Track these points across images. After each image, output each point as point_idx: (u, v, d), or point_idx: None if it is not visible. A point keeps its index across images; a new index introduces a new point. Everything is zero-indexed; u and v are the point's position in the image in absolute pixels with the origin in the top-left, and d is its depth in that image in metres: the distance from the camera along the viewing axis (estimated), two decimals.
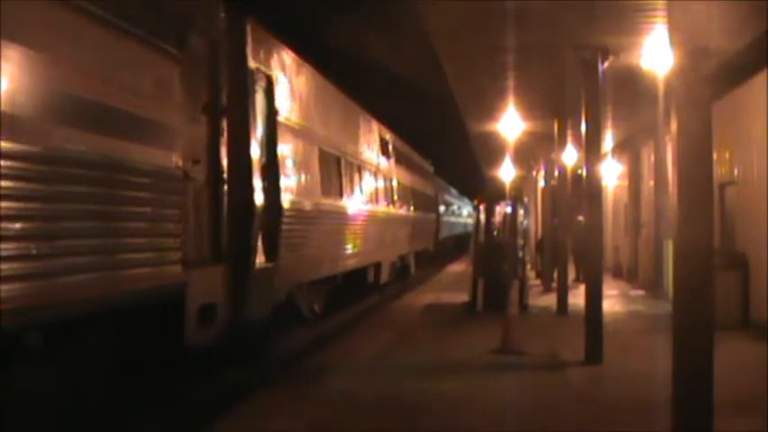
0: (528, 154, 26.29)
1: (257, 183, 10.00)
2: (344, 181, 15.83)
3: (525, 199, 22.80)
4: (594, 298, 11.72)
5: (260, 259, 10.06)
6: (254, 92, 10.20)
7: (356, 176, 17.33)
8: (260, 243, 10.07)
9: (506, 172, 29.27)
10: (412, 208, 26.59)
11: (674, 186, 6.47)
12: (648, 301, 19.17)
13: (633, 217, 25.28)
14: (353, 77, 25.49)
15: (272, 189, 10.65)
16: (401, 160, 25.23)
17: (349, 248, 15.96)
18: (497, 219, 20.36)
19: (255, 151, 10.08)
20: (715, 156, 11.79)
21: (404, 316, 17.28)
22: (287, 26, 14.57)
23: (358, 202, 17.26)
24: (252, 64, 10.13)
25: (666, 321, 7.83)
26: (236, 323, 9.19)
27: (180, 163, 7.79)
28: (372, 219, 18.80)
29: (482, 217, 19.23)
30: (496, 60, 13.31)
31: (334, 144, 15.20)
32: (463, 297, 18.34)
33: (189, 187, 8.20)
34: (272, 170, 10.74)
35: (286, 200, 11.13)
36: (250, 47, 10.08)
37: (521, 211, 19.49)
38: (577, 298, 15.01)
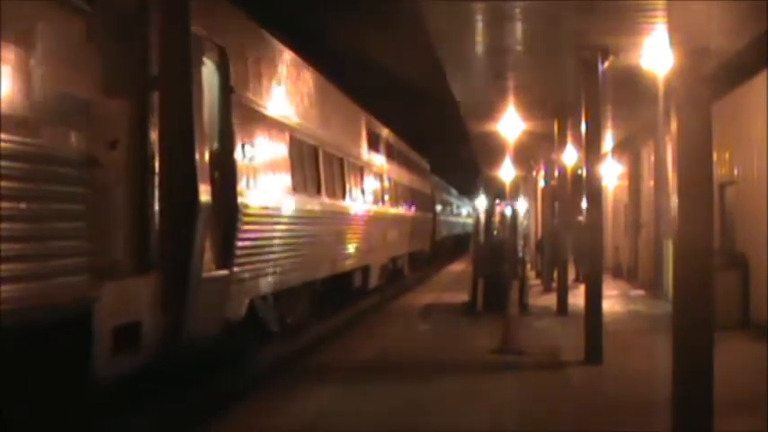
0: (528, 154, 26.29)
1: (203, 174, 8.16)
2: (324, 176, 14.03)
3: (522, 199, 22.82)
4: (594, 298, 11.72)
5: (208, 267, 8.44)
6: (199, 64, 8.39)
7: (339, 171, 15.63)
8: (208, 247, 8.41)
9: (506, 172, 29.28)
10: (406, 207, 25.21)
11: (674, 186, 6.47)
12: (648, 301, 19.17)
13: (633, 217, 25.28)
14: (352, 75, 25.52)
15: (226, 183, 9.07)
16: (393, 156, 23.72)
17: (330, 251, 14.43)
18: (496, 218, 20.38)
19: (201, 136, 8.24)
20: (715, 156, 11.79)
21: (402, 316, 17.26)
22: (283, 22, 14.44)
23: (341, 199, 15.63)
24: (199, 31, 8.38)
25: (666, 321, 7.84)
26: (171, 344, 7.68)
27: (85, 145, 6.30)
28: (359, 218, 17.42)
29: (481, 217, 19.25)
30: (496, 60, 13.32)
31: (311, 133, 13.40)
32: (463, 297, 18.35)
33: (100, 177, 6.53)
34: (225, 160, 9.13)
35: (244, 196, 9.56)
36: (197, 10, 8.30)
37: (513, 210, 19.51)
38: (577, 298, 15.01)
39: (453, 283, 25.37)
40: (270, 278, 10.80)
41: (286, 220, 11.47)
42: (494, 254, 17.74)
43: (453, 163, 48.01)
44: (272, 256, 10.78)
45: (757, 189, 13.67)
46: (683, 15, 6.51)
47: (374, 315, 17.77)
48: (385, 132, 22.65)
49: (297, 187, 12.05)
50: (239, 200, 9.29)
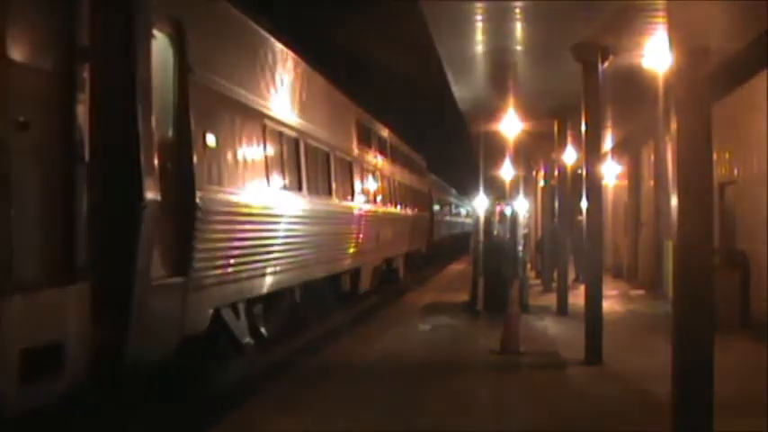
0: (528, 154, 26.29)
1: (149, 166, 7.02)
2: (306, 170, 12.62)
3: (522, 199, 22.79)
4: (594, 298, 11.73)
5: (159, 273, 7.35)
6: (146, 37, 7.22)
7: (324, 166, 14.21)
8: (159, 251, 7.34)
9: (506, 172, 29.27)
10: (401, 206, 23.82)
11: (674, 186, 6.47)
12: (648, 301, 19.18)
13: (633, 217, 25.29)
14: (352, 74, 25.52)
15: (182, 176, 7.88)
16: (388, 152, 22.33)
17: (313, 253, 12.98)
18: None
19: (147, 121, 7.07)
20: (715, 156, 11.80)
21: (401, 317, 17.26)
22: (283, 21, 14.28)
23: (326, 197, 14.21)
24: None
25: (666, 321, 7.84)
26: (110, 366, 6.69)
27: None
28: (348, 217, 16.12)
29: (481, 216, 19.25)
30: (496, 60, 13.32)
31: (291, 123, 12.03)
32: (462, 298, 18.35)
33: (3, 164, 5.50)
34: (180, 150, 7.95)
35: (205, 192, 8.26)
36: None
37: (513, 210, 19.51)
38: (577, 298, 15.01)
39: (452, 284, 25.36)
40: (240, 284, 9.67)
41: (259, 219, 10.24)
42: (494, 254, 17.75)
43: (453, 162, 48.05)
44: (242, 260, 9.59)
45: (757, 189, 13.67)
46: (683, 15, 6.51)
47: (371, 317, 17.76)
48: (378, 128, 21.37)
49: (273, 183, 10.73)
50: (198, 196, 8.02)
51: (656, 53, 11.86)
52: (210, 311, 8.73)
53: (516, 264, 17.62)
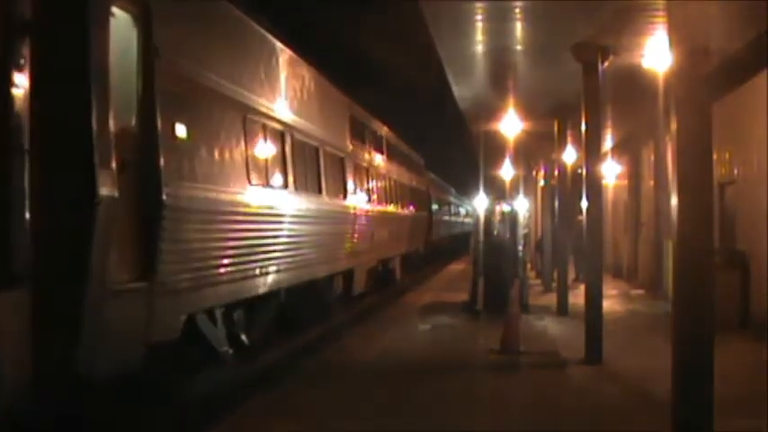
0: (528, 154, 26.30)
1: (104, 157, 6.33)
2: (293, 166, 11.84)
3: (522, 199, 22.78)
4: (594, 298, 11.73)
5: (118, 277, 6.67)
6: (103, 14, 6.60)
7: (314, 162, 13.39)
8: (120, 252, 6.68)
9: (506, 171, 29.27)
10: (398, 204, 22.98)
11: (674, 186, 6.48)
12: (648, 301, 19.18)
13: (633, 216, 25.30)
14: (351, 73, 25.53)
15: (146, 170, 7.20)
16: (383, 148, 21.39)
17: (300, 255, 12.18)
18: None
19: (103, 107, 6.40)
20: (715, 156, 11.79)
21: (399, 318, 17.25)
22: (284, 21, 14.22)
23: (316, 194, 13.34)
24: None
25: (666, 321, 7.85)
26: (59, 382, 6.06)
27: None
28: (339, 216, 15.26)
29: (481, 216, 19.25)
30: (496, 60, 13.33)
31: (276, 116, 11.29)
32: (462, 297, 18.35)
33: None
34: (145, 141, 7.24)
35: (174, 187, 7.55)
36: None
37: (513, 210, 19.51)
38: (577, 298, 15.02)
39: (452, 283, 25.34)
40: (217, 288, 8.95)
41: (239, 218, 9.53)
42: (494, 253, 17.75)
43: (452, 162, 48.09)
44: (219, 262, 8.93)
45: (757, 189, 13.67)
46: (683, 15, 6.52)
47: (371, 316, 17.76)
48: (374, 123, 20.51)
49: (254, 179, 10.00)
50: (165, 192, 7.29)
51: (656, 53, 11.86)
52: (183, 318, 8.04)
53: (516, 263, 17.63)
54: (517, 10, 10.54)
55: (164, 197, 7.29)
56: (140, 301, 7.05)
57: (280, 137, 11.40)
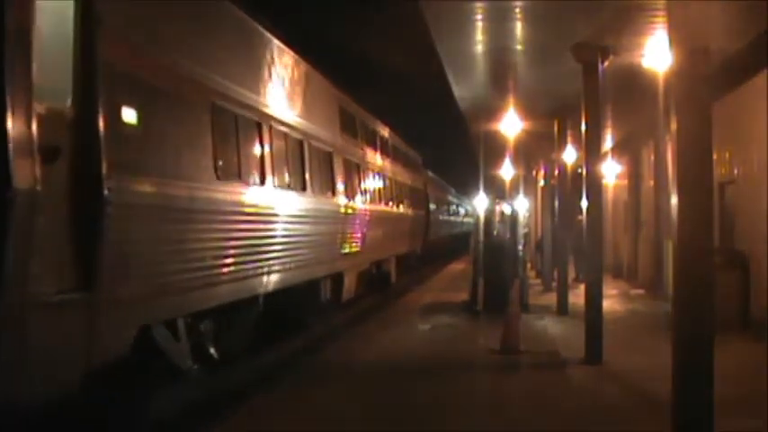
0: (528, 154, 26.30)
1: (22, 145, 5.39)
2: (272, 160, 10.78)
3: (522, 198, 22.79)
4: (594, 298, 11.73)
5: (47, 287, 5.69)
6: None
7: (297, 156, 12.29)
8: (48, 258, 5.71)
9: (506, 171, 29.28)
10: (392, 203, 21.84)
11: (674, 186, 6.48)
12: (648, 301, 19.18)
13: (633, 216, 25.30)
14: (351, 72, 25.53)
15: (84, 160, 6.21)
16: (376, 144, 20.25)
17: (282, 257, 11.13)
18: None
19: (23, 84, 5.45)
20: (715, 156, 11.80)
21: (400, 316, 17.26)
22: (284, 20, 14.13)
23: (298, 191, 12.16)
24: None
25: (666, 321, 7.85)
26: None
27: None
28: (326, 215, 13.99)
29: (481, 216, 19.25)
30: (496, 60, 13.33)
31: (251, 103, 10.24)
32: (462, 297, 18.36)
33: None
34: (82, 125, 6.23)
35: (120, 180, 6.55)
36: None
37: (513, 210, 19.52)
38: (577, 297, 15.02)
39: (452, 284, 25.33)
40: (178, 296, 7.96)
41: (204, 216, 8.52)
42: (494, 253, 17.75)
43: (452, 162, 48.10)
44: (181, 267, 7.94)
45: (757, 189, 13.67)
46: (683, 15, 6.52)
47: (371, 316, 17.75)
48: (366, 117, 19.24)
49: (223, 173, 9.01)
50: (107, 186, 6.31)
51: (656, 53, 11.86)
52: (133, 332, 7.04)
53: (516, 263, 17.64)
54: (517, 10, 10.54)
55: (105, 192, 6.29)
56: (77, 315, 6.08)
57: (256, 127, 10.41)
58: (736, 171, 15.10)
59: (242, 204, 9.63)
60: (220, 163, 8.94)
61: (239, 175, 9.68)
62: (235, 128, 9.65)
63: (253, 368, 10.95)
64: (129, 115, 6.84)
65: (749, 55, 12.10)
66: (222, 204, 8.97)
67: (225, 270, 9.09)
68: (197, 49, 8.66)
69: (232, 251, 9.26)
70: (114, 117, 6.58)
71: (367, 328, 15.18)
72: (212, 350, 9.30)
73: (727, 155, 15.34)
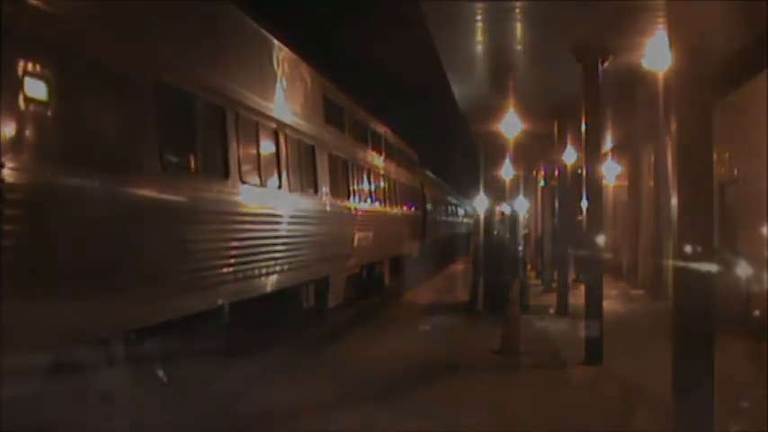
0: (528, 154, 26.32)
1: None
2: (238, 151, 9.38)
3: (522, 199, 22.81)
4: (594, 298, 11.73)
5: None
6: None
7: (272, 148, 10.90)
8: None
9: (506, 172, 29.30)
10: (385, 202, 20.37)
11: (674, 186, 6.48)
12: (648, 301, 19.18)
13: (633, 217, 25.29)
14: (351, 71, 25.53)
15: None
16: (367, 138, 18.63)
17: (253, 262, 9.76)
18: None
19: None
20: (715, 156, 11.79)
21: (400, 316, 17.24)
22: (284, 20, 14.09)
23: (271, 188, 10.70)
24: None
25: (666, 321, 7.84)
26: None
27: None
28: (308, 214, 12.44)
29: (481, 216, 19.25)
30: (496, 60, 13.33)
31: (211, 85, 8.81)
32: (462, 298, 18.36)
33: None
34: None
35: (23, 165, 5.41)
36: None
37: (513, 210, 19.52)
38: (577, 298, 15.02)
39: (452, 284, 25.32)
40: (112, 309, 6.50)
41: (145, 213, 7.12)
42: (494, 254, 17.75)
43: (452, 162, 48.13)
44: (114, 273, 6.59)
45: (757, 189, 13.66)
46: (683, 15, 6.52)
47: (371, 317, 17.74)
48: (354, 108, 17.52)
49: (173, 164, 7.79)
50: (5, 174, 5.22)
51: (656, 53, 11.86)
52: (53, 352, 5.79)
53: (516, 264, 17.64)
54: (517, 10, 10.55)
55: (2, 179, 5.17)
56: None
57: (219, 112, 9.01)
58: (736, 171, 15.09)
59: (197, 200, 8.21)
60: (168, 152, 7.59)
61: (194, 167, 8.35)
62: (190, 110, 8.30)
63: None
64: (35, 88, 5.61)
65: (749, 55, 12.10)
66: (170, 201, 7.62)
67: (179, 275, 7.76)
68: (137, 13, 7.19)
69: (184, 256, 7.93)
70: (14, 89, 5.43)
71: (367, 329, 15.18)
72: (160, 372, 7.86)
73: (728, 155, 15.33)
